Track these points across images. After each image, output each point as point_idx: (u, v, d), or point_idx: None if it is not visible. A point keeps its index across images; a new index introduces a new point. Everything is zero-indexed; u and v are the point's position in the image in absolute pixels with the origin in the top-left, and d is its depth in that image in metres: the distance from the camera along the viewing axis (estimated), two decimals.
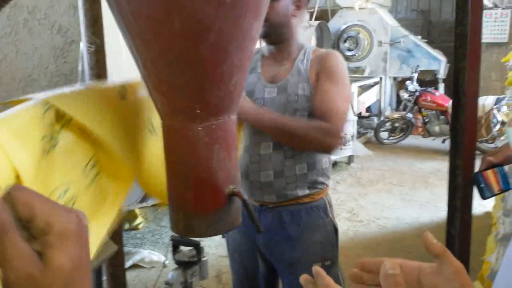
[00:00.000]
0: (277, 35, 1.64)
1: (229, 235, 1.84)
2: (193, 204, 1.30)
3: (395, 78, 8.16)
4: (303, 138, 1.48)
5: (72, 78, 2.37)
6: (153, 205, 4.15)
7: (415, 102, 7.05)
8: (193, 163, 1.27)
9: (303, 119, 1.60)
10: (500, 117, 5.92)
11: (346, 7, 8.10)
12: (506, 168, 1.49)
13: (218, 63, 1.14)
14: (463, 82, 1.36)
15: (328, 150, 1.56)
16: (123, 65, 2.36)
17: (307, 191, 1.65)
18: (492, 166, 1.46)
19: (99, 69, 1.82)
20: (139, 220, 3.99)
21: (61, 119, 0.93)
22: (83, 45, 1.61)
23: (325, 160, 1.68)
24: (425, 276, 0.65)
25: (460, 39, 1.34)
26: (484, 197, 1.46)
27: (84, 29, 1.46)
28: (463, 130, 1.40)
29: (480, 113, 6.22)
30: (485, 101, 6.32)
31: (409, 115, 6.98)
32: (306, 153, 1.64)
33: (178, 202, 1.33)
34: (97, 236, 1.03)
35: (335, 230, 1.70)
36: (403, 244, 3.53)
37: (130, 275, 3.13)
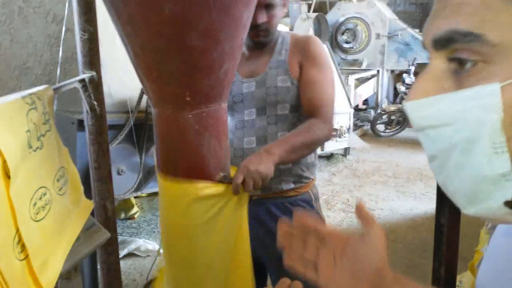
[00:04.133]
0: (271, 37, 1.62)
1: None
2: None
3: (392, 71, 8.17)
4: (311, 145, 1.48)
5: (67, 66, 2.36)
6: (149, 195, 4.16)
7: None
8: (183, 150, 1.28)
9: (286, 112, 1.59)
10: None
11: (344, 0, 8.09)
12: None
13: (208, 51, 1.14)
14: None
15: (326, 140, 1.58)
16: (117, 53, 2.36)
17: (292, 185, 1.64)
18: None
19: (92, 57, 1.81)
20: (135, 209, 4.01)
21: (46, 125, 0.92)
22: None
23: (310, 155, 1.68)
24: (350, 244, 0.66)
25: None
26: None
27: (77, 17, 1.46)
28: None
29: None
30: None
31: None
32: None
33: (169, 189, 1.34)
34: (61, 251, 0.99)
35: (321, 219, 1.73)
36: (396, 235, 3.56)
37: (125, 264, 3.16)
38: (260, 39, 1.60)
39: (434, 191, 4.00)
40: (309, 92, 1.55)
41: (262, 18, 1.54)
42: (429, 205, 4.11)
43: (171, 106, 1.23)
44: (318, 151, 3.27)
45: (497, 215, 0.41)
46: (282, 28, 1.94)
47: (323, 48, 1.62)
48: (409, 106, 0.43)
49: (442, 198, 1.49)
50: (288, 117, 1.61)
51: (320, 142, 1.54)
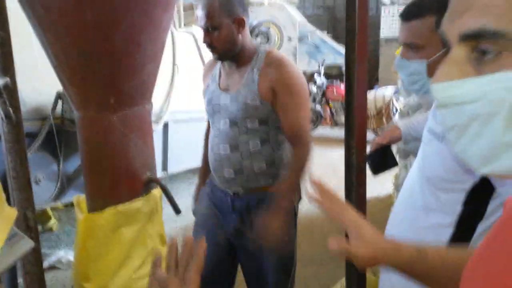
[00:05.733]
0: (228, 55, 1.71)
1: (199, 217, 1.93)
2: (111, 192, 1.34)
3: (304, 72, 8.52)
4: (305, 174, 1.68)
5: None
6: (66, 206, 4.02)
7: (323, 95, 7.45)
8: (109, 151, 1.31)
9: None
10: (398, 105, 6.45)
11: (256, 3, 8.31)
12: (393, 147, 1.70)
13: (131, 54, 1.19)
14: (353, 73, 1.53)
15: (310, 156, 1.77)
16: (28, 58, 2.29)
17: (270, 181, 1.78)
18: (381, 146, 1.65)
19: (5, 62, 1.76)
20: (52, 221, 3.85)
21: None
22: None
23: (285, 154, 1.82)
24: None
25: (350, 34, 1.50)
26: (374, 173, 1.65)
27: None
28: (355, 114, 1.57)
29: (381, 103, 6.73)
30: (385, 92, 6.83)
31: (318, 107, 7.36)
32: (264, 154, 1.76)
33: (96, 191, 1.36)
34: None
35: (295, 214, 1.87)
36: (313, 226, 3.76)
37: (47, 277, 3.00)
38: (215, 56, 1.70)
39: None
40: (286, 119, 1.69)
41: (205, 39, 1.63)
42: (342, 197, 4.36)
43: (95, 109, 1.25)
44: None
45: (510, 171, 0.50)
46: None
47: (296, 71, 1.73)
48: (435, 87, 0.52)
49: (349, 185, 1.63)
50: (258, 129, 1.74)
51: (307, 167, 1.73)
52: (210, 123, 1.83)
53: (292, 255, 1.84)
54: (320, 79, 7.41)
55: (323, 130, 7.58)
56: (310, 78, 8.15)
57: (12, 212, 1.34)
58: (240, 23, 1.64)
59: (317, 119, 7.46)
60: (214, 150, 1.74)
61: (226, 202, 1.73)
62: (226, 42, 1.64)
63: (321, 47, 7.90)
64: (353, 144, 1.64)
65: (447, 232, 1.03)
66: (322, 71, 7.49)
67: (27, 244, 1.42)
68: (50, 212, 3.90)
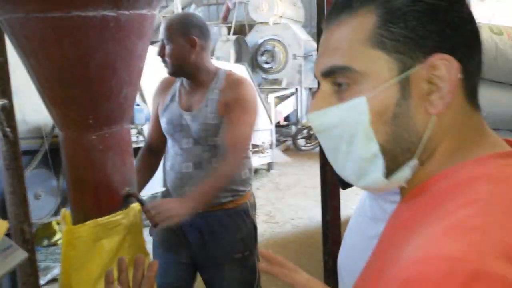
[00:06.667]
0: (178, 71, 1.79)
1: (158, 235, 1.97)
2: (92, 205, 1.44)
3: (310, 89, 8.64)
4: (223, 184, 1.70)
5: None
6: None
7: None
8: (89, 168, 1.41)
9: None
10: None
11: (261, 22, 8.49)
12: None
13: (107, 79, 1.30)
14: None
15: (238, 171, 1.79)
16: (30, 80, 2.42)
17: (229, 198, 1.84)
18: None
19: (3, 85, 1.89)
20: (58, 235, 3.97)
21: None
22: None
23: (244, 172, 1.88)
24: None
25: None
26: (343, 188, 1.73)
27: None
28: None
29: None
30: None
31: None
32: None
33: (78, 205, 1.46)
34: None
35: (254, 227, 1.94)
36: (313, 240, 3.81)
37: None
38: (167, 70, 1.80)
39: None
40: (226, 132, 1.75)
41: (158, 52, 1.75)
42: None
43: (76, 129, 1.36)
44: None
45: (380, 185, 0.60)
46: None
47: (250, 91, 1.81)
48: (310, 117, 0.62)
49: (324, 197, 1.71)
50: (220, 146, 1.79)
51: (231, 176, 1.75)
52: (170, 142, 1.88)
53: (254, 268, 1.89)
54: None
55: None
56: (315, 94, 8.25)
57: (3, 224, 1.44)
58: (193, 45, 1.75)
59: None
60: (176, 169, 1.82)
61: (185, 221, 1.76)
62: (176, 59, 1.74)
63: None
64: (326, 161, 1.72)
65: None
66: None
67: (21, 255, 1.51)
68: (55, 227, 4.02)
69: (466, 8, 0.57)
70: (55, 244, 3.99)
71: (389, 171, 0.58)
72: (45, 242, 3.99)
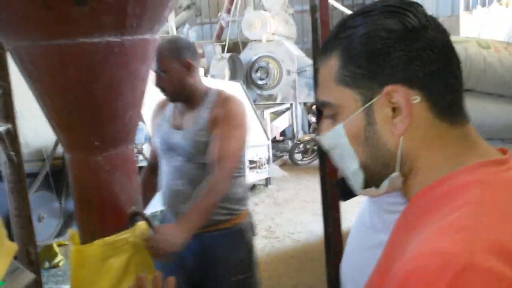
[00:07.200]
0: (178, 96, 1.82)
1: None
2: (99, 225, 1.47)
3: (305, 104, 8.74)
4: (216, 200, 1.67)
5: None
6: None
7: None
8: (96, 189, 1.45)
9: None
10: None
11: (255, 40, 8.60)
12: None
13: (112, 101, 1.34)
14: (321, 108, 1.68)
15: (227, 190, 1.76)
16: (31, 104, 2.47)
17: (223, 218, 1.83)
18: None
19: (7, 111, 1.93)
20: (59, 257, 3.97)
21: None
22: None
23: (239, 191, 1.87)
24: None
25: (317, 74, 1.64)
26: (344, 199, 1.77)
27: None
28: None
29: None
30: None
31: (318, 137, 7.48)
32: None
33: (86, 225, 1.49)
34: None
35: (251, 248, 1.92)
36: (312, 254, 3.84)
37: None
38: (167, 98, 1.84)
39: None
40: (214, 147, 1.74)
41: (156, 83, 1.79)
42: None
43: (82, 151, 1.39)
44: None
45: (370, 192, 0.73)
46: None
47: (238, 108, 1.82)
48: (319, 139, 0.76)
49: (326, 209, 1.75)
50: (208, 163, 1.78)
51: (222, 194, 1.72)
52: (163, 161, 1.89)
53: (252, 281, 1.88)
54: None
55: None
56: (310, 109, 8.32)
57: (12, 246, 1.47)
58: (189, 67, 1.78)
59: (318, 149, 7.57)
60: (169, 187, 1.83)
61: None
62: (176, 85, 1.77)
63: None
64: (325, 172, 1.76)
65: None
66: None
67: (28, 277, 1.54)
68: (56, 249, 4.03)
69: (424, 38, 0.64)
70: (56, 266, 3.99)
71: (373, 183, 0.71)
72: (46, 265, 3.99)
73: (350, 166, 0.70)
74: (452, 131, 0.65)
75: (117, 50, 1.28)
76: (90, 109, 1.32)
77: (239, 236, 1.90)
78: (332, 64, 0.69)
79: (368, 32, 0.65)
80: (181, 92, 1.82)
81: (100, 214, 1.46)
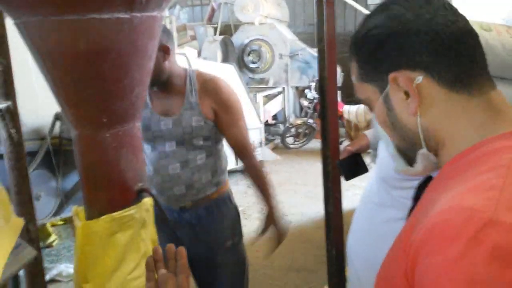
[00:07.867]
0: (157, 81, 1.80)
1: None
2: (106, 201, 1.48)
3: (297, 88, 8.72)
4: (268, 180, 1.99)
5: None
6: (65, 222, 4.15)
7: (315, 109, 7.66)
8: (103, 166, 1.46)
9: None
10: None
11: (247, 23, 8.55)
12: (362, 155, 1.86)
13: (120, 79, 1.35)
14: (325, 88, 1.69)
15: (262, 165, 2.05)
16: (28, 83, 2.46)
17: (214, 189, 1.93)
18: (351, 154, 1.81)
19: (7, 88, 1.92)
20: (52, 237, 3.97)
21: None
22: None
23: (223, 163, 1.98)
24: None
25: (321, 54, 1.67)
26: (346, 179, 1.81)
27: None
28: (328, 127, 1.73)
29: (370, 115, 6.91)
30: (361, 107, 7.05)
31: (310, 120, 7.54)
32: (209, 165, 1.90)
33: (93, 201, 1.51)
34: None
35: (237, 212, 2.05)
36: (306, 235, 3.90)
37: None
38: None
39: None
40: (231, 136, 1.88)
41: None
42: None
43: (90, 128, 1.40)
44: (233, 165, 3.56)
45: (410, 171, 0.79)
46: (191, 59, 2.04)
47: (230, 90, 1.88)
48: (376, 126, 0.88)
49: (326, 190, 1.78)
50: (203, 145, 1.88)
51: (265, 172, 1.99)
52: (148, 148, 1.92)
53: (243, 255, 2.00)
54: (311, 94, 7.59)
55: (316, 143, 7.72)
56: (302, 93, 8.33)
57: (19, 222, 1.48)
58: (166, 51, 1.78)
59: (310, 132, 7.62)
60: (162, 172, 1.86)
61: (173, 217, 1.84)
62: (153, 70, 1.77)
63: (311, 63, 8.10)
64: (328, 154, 1.79)
65: (400, 225, 1.18)
66: (313, 86, 7.66)
67: (30, 253, 1.56)
68: (50, 229, 4.04)
69: (415, 25, 0.70)
70: (50, 246, 4.00)
71: (411, 162, 0.78)
72: (40, 245, 4.00)
73: (389, 149, 0.80)
74: (472, 101, 0.68)
75: (126, 27, 1.29)
76: (98, 85, 1.32)
77: (227, 203, 2.01)
78: (353, 65, 0.80)
79: (367, 32, 0.75)
80: (159, 78, 1.81)
81: (108, 191, 1.47)
